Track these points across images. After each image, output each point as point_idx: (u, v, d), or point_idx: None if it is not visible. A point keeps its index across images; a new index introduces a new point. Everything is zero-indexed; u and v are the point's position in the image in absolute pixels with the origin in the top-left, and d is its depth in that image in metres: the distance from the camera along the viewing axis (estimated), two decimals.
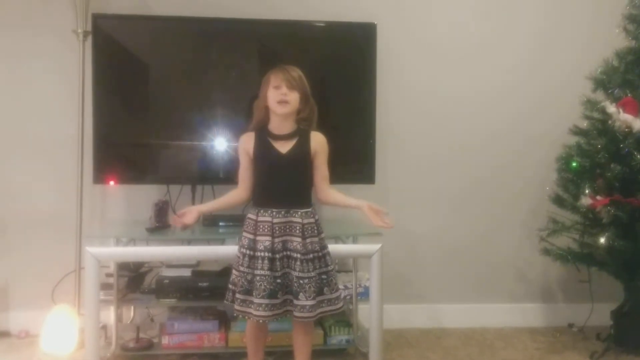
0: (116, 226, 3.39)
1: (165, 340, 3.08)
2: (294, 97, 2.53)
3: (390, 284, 3.25)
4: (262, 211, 2.53)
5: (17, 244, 3.44)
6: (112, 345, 3.04)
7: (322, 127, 2.65)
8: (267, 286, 2.45)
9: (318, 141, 2.60)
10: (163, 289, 3.11)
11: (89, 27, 3.25)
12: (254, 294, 2.46)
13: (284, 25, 3.37)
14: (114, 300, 3.02)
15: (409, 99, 3.65)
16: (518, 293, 3.77)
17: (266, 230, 2.50)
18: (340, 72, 3.39)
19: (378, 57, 3.36)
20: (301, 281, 2.47)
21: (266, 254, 2.47)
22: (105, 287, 2.97)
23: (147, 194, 3.38)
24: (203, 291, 3.11)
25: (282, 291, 2.49)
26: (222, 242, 3.05)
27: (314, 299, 2.48)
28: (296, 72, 2.56)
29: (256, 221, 2.53)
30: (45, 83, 3.44)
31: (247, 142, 2.59)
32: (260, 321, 2.50)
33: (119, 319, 3.12)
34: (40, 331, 3.21)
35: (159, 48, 3.33)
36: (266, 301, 2.45)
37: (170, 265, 3.19)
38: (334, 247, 2.78)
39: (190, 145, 3.29)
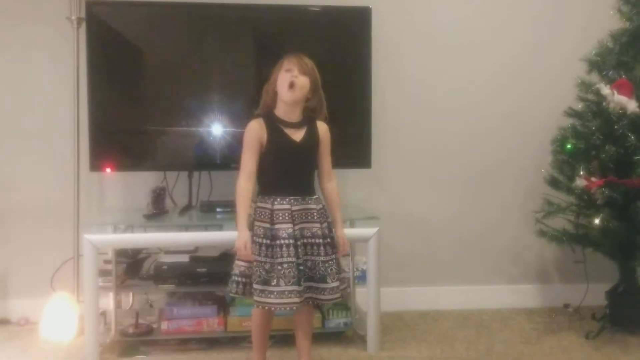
0: (114, 213, 3.39)
1: (164, 325, 3.10)
2: (304, 81, 2.52)
3: (387, 267, 3.28)
4: (278, 199, 2.51)
5: (15, 232, 3.44)
6: (111, 331, 3.07)
7: None
8: (295, 273, 2.46)
9: (324, 130, 2.63)
10: (161, 275, 3.13)
11: (83, 14, 3.24)
12: (280, 282, 2.44)
13: (279, 10, 3.36)
14: (113, 286, 3.04)
15: (405, 83, 3.64)
16: (514, 274, 3.79)
17: (286, 217, 2.49)
18: (336, 56, 3.37)
19: (373, 42, 3.35)
20: (326, 264, 2.52)
21: (291, 241, 2.47)
22: (103, 273, 3.00)
23: (144, 181, 3.39)
24: (201, 277, 3.13)
25: (303, 279, 2.50)
26: (219, 227, 3.06)
27: (337, 280, 2.54)
28: (309, 61, 2.57)
29: (272, 210, 2.50)
30: (39, 71, 3.42)
31: (260, 129, 2.52)
32: (295, 308, 2.48)
33: (118, 305, 3.13)
34: (40, 318, 3.23)
35: (154, 34, 3.31)
36: (296, 287, 2.45)
37: (168, 252, 3.20)
38: None
39: (187, 132, 3.29)
